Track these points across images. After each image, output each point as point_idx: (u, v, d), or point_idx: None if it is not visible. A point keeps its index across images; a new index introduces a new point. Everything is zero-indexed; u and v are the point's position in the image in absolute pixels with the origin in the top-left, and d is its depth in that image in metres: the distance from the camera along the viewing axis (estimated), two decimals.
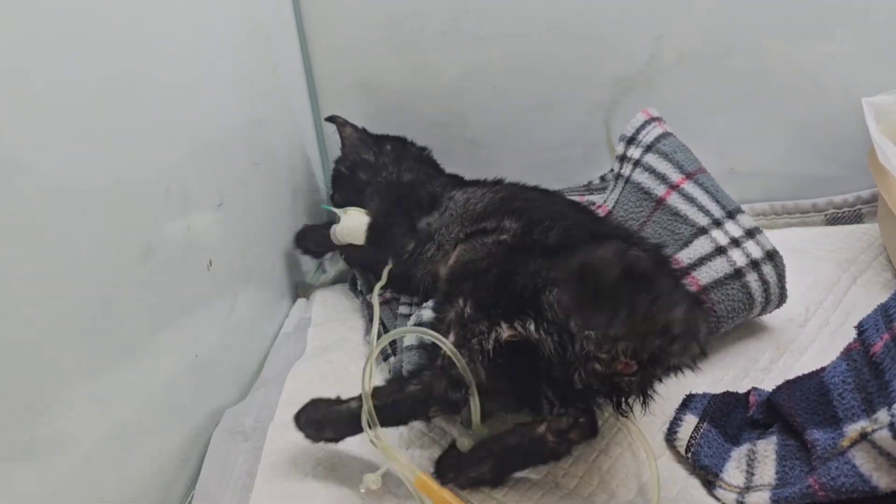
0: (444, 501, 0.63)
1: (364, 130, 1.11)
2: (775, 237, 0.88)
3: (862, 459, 0.58)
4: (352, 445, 0.74)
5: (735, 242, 0.85)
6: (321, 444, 0.72)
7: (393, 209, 0.99)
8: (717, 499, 0.67)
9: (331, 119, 1.11)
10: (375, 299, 0.90)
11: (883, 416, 0.59)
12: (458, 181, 1.05)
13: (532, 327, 0.63)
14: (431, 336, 0.67)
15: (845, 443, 0.60)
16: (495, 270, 0.71)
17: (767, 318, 0.89)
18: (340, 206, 1.03)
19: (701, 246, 0.85)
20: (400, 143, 1.11)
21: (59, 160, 0.57)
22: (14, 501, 0.52)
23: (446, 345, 0.66)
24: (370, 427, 0.67)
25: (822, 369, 0.70)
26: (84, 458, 0.60)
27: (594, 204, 1.04)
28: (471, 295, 0.68)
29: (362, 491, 0.66)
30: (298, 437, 0.76)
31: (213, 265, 0.82)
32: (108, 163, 0.63)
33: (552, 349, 0.62)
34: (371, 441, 0.67)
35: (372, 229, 0.98)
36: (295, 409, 0.81)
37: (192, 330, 0.79)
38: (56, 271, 0.56)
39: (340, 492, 0.69)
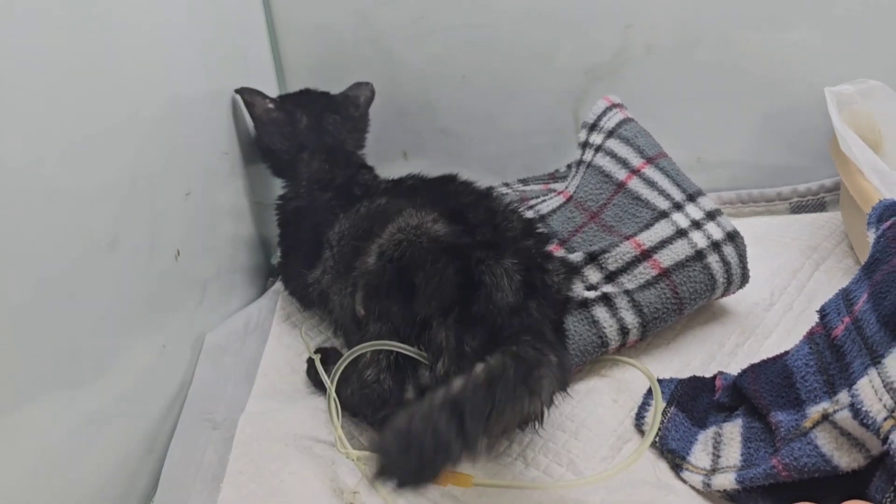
0: None
1: (280, 104, 1.01)
2: (741, 225, 0.89)
3: (824, 440, 0.59)
4: (326, 434, 0.74)
5: (696, 224, 0.86)
6: (295, 437, 0.73)
7: (288, 263, 0.98)
8: (685, 481, 0.68)
9: (239, 91, 0.99)
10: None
11: (844, 397, 0.60)
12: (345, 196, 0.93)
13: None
14: (393, 347, 0.67)
15: (808, 424, 0.61)
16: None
17: (733, 303, 0.90)
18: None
19: (662, 229, 0.85)
20: (315, 120, 1.00)
21: (22, 150, 0.56)
22: None
23: (404, 348, 0.67)
24: (342, 446, 0.68)
25: (786, 353, 0.71)
26: (49, 448, 0.59)
27: (555, 191, 1.05)
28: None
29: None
30: (270, 427, 0.76)
31: (180, 255, 0.81)
32: (72, 152, 0.62)
33: None
34: (344, 455, 0.68)
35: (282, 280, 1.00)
36: (265, 401, 0.81)
37: (159, 320, 0.78)
38: (21, 261, 0.55)
39: (315, 482, 0.69)
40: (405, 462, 0.51)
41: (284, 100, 1.03)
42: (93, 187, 0.65)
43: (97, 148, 0.66)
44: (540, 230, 0.82)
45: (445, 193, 0.84)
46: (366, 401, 0.69)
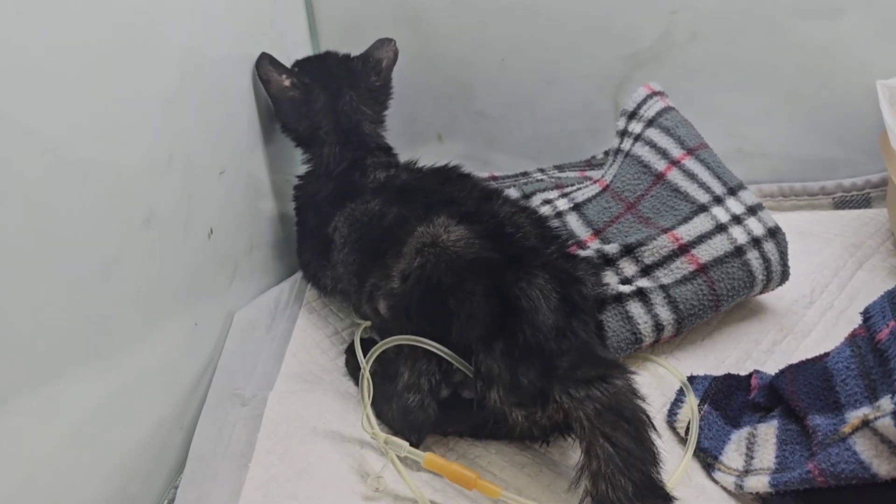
0: (457, 473, 0.63)
1: (297, 77, 0.95)
2: (782, 220, 0.87)
3: (863, 446, 0.58)
4: (354, 419, 0.74)
5: (736, 219, 0.84)
6: (323, 420, 0.74)
7: (303, 252, 0.98)
8: (716, 482, 0.67)
9: (256, 64, 0.94)
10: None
11: (886, 403, 0.59)
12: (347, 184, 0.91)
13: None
14: (422, 343, 0.66)
15: (847, 429, 0.60)
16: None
17: (771, 300, 0.88)
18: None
19: (701, 223, 0.84)
20: (332, 99, 0.94)
21: (62, 127, 0.56)
22: (9, 467, 0.52)
23: (441, 350, 0.66)
24: (370, 426, 0.68)
25: (826, 354, 0.70)
26: (81, 421, 0.60)
27: (590, 179, 1.03)
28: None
29: (373, 490, 0.66)
30: (298, 407, 0.76)
31: (213, 234, 0.82)
32: (109, 129, 0.62)
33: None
34: (371, 435, 0.68)
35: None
36: (294, 381, 0.82)
37: (192, 299, 0.78)
38: (58, 237, 0.56)
39: (341, 465, 0.69)
40: None
41: (303, 69, 0.97)
42: (129, 164, 0.66)
43: (135, 123, 0.66)
44: (555, 230, 0.79)
45: (443, 197, 0.80)
46: (409, 427, 0.69)
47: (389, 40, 1.00)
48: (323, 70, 0.97)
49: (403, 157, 0.99)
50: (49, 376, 0.56)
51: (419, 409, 0.67)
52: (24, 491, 0.53)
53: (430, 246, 0.69)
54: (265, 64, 0.93)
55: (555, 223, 0.86)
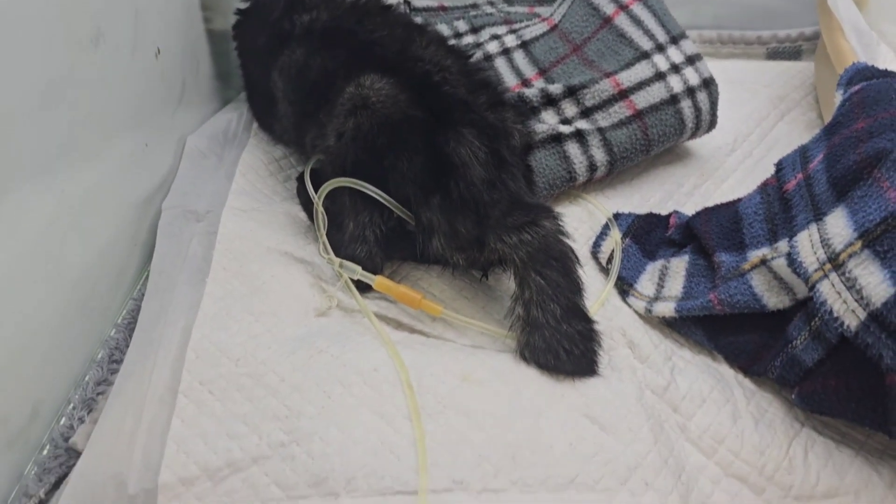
0: (404, 294, 0.69)
1: None
2: (717, 67, 0.91)
3: (758, 281, 0.66)
4: (305, 243, 0.79)
5: (675, 68, 0.88)
6: (276, 241, 0.78)
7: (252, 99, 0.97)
8: (629, 305, 0.75)
9: None
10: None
11: (783, 246, 0.66)
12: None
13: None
14: (365, 189, 0.69)
15: (746, 266, 0.68)
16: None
17: (696, 146, 0.94)
18: None
19: (642, 70, 0.87)
20: None
21: None
22: None
23: (383, 197, 0.69)
24: (326, 253, 0.72)
25: (739, 200, 0.77)
26: (42, 229, 0.62)
27: (539, 16, 1.04)
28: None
29: (325, 307, 0.71)
30: (252, 227, 0.79)
31: (161, 53, 0.81)
32: None
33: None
34: (327, 260, 0.72)
35: None
36: (245, 198, 0.84)
37: (142, 118, 0.79)
38: (6, 53, 0.55)
39: (294, 285, 0.74)
40: None
41: None
42: None
43: None
44: (483, 76, 0.79)
45: (365, 42, 0.78)
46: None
47: None
48: None
49: None
50: (11, 187, 0.57)
51: (367, 258, 0.72)
52: None
53: (360, 108, 0.70)
54: None
55: (483, 65, 0.86)
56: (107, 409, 0.62)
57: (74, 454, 0.62)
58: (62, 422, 0.65)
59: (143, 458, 0.57)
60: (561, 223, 0.69)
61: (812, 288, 0.60)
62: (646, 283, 0.76)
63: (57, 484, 0.61)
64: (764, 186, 0.75)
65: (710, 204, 0.80)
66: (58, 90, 0.62)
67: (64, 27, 0.62)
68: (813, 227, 0.63)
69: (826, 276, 0.58)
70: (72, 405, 0.66)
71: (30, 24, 0.57)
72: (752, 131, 0.97)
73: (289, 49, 0.82)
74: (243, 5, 0.92)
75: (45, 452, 0.63)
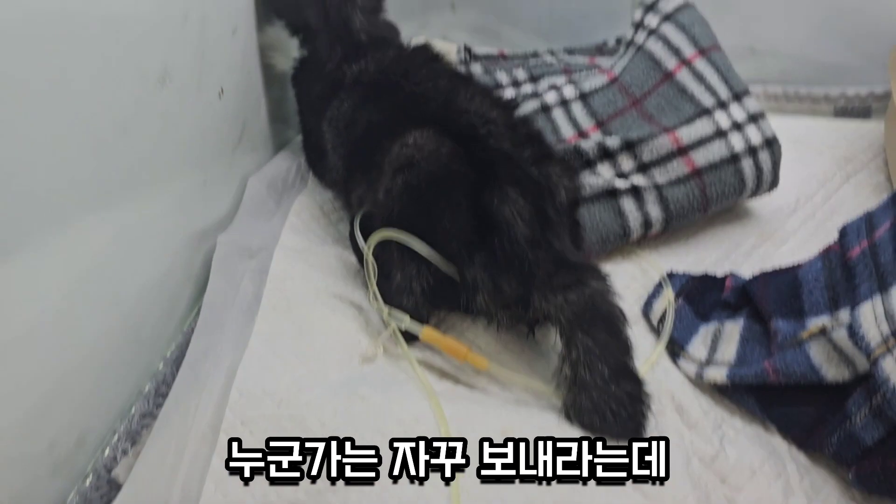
0: (450, 346, 0.69)
1: None
2: (782, 124, 0.89)
3: (816, 352, 0.63)
4: (353, 288, 0.79)
5: (737, 126, 0.86)
6: (326, 284, 0.79)
7: (306, 144, 0.99)
8: (680, 368, 0.73)
9: None
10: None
11: (844, 316, 0.64)
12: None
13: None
14: (411, 244, 0.70)
15: (805, 335, 0.65)
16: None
17: (756, 205, 0.92)
18: None
19: (702, 127, 0.85)
20: None
21: None
22: (26, 306, 0.55)
23: (428, 253, 0.70)
24: (375, 300, 0.72)
25: (799, 265, 0.74)
26: (96, 263, 0.63)
27: (599, 67, 1.03)
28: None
29: (372, 354, 0.71)
30: (303, 268, 0.80)
31: (224, 93, 0.83)
32: None
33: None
34: (376, 308, 0.72)
35: None
36: (298, 236, 0.85)
37: (202, 156, 0.81)
38: (74, 91, 0.57)
39: (342, 330, 0.74)
40: None
41: None
42: (146, 21, 0.66)
43: None
44: (529, 129, 0.78)
45: (410, 96, 0.79)
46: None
47: None
48: None
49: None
50: (66, 221, 0.58)
51: (413, 310, 0.72)
52: (41, 330, 0.57)
53: (406, 167, 0.71)
54: None
55: (530, 117, 0.86)
56: (149, 444, 0.63)
57: (116, 486, 0.63)
58: (106, 452, 0.66)
59: (182, 495, 0.58)
60: (608, 283, 0.68)
61: (874, 363, 0.57)
62: (698, 347, 0.74)
63: None
64: (826, 252, 0.72)
65: (769, 266, 0.78)
66: (123, 126, 0.64)
67: (133, 66, 0.64)
68: (877, 299, 0.61)
69: (889, 351, 0.56)
70: (117, 436, 0.67)
71: (101, 63, 0.59)
72: (816, 192, 0.94)
73: (338, 100, 0.83)
74: (302, 53, 0.94)
75: (87, 483, 0.64)
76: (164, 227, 0.75)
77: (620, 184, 0.84)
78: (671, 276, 0.81)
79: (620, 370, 0.64)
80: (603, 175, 0.86)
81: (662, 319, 0.76)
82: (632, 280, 0.82)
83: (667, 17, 0.94)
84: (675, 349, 0.74)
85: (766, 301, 0.73)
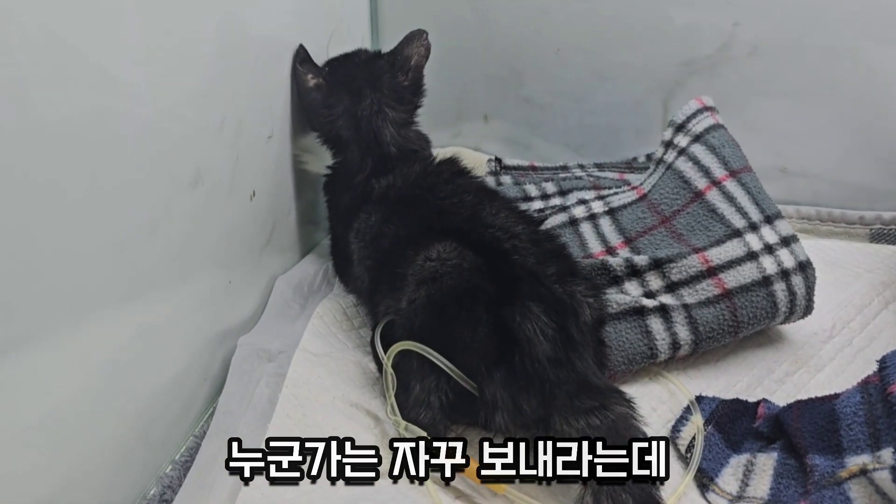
0: (469, 468, 0.65)
1: (324, 77, 0.92)
2: (816, 246, 0.87)
3: (857, 493, 0.60)
4: (371, 398, 0.77)
5: (768, 249, 0.84)
6: (343, 392, 0.77)
7: (334, 250, 1.00)
8: (709, 502, 0.69)
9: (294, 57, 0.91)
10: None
11: (887, 455, 0.60)
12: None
13: None
14: (431, 357, 0.69)
15: (844, 474, 0.61)
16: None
17: (791, 330, 0.89)
18: None
19: (733, 248, 0.84)
20: (353, 103, 0.90)
21: (122, 85, 0.58)
22: (37, 400, 0.55)
23: (448, 367, 0.69)
24: (393, 414, 0.71)
25: (836, 396, 0.71)
26: (111, 360, 0.62)
27: (628, 183, 1.03)
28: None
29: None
30: (321, 374, 0.79)
31: (255, 196, 0.84)
32: (167, 94, 0.64)
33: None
34: (393, 422, 0.71)
35: None
36: (319, 341, 0.84)
37: (229, 257, 0.81)
38: (103, 191, 0.58)
39: (356, 435, 0.70)
40: None
41: (331, 68, 0.94)
42: (184, 125, 0.68)
43: (192, 88, 0.68)
44: (554, 244, 0.79)
45: (436, 210, 0.80)
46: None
47: (421, 33, 0.93)
48: (347, 71, 0.93)
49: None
50: (87, 317, 0.58)
51: (430, 424, 0.70)
52: (49, 426, 0.56)
53: (430, 280, 0.71)
54: (296, 60, 0.91)
55: (555, 233, 0.86)
56: None
57: None
58: None
59: None
60: (633, 408, 0.65)
61: None
62: (728, 479, 0.70)
63: None
64: (865, 384, 0.69)
65: (803, 394, 0.75)
66: (151, 225, 0.64)
67: (166, 169, 0.66)
68: None
69: None
70: None
71: (134, 165, 0.61)
72: (853, 318, 0.91)
73: (365, 213, 0.85)
74: (335, 161, 0.95)
75: None
76: (185, 326, 0.75)
77: (648, 302, 0.82)
78: (700, 399, 0.78)
79: (645, 501, 0.60)
80: (630, 293, 0.84)
81: (691, 447, 0.73)
82: (659, 403, 0.79)
83: (697, 138, 0.94)
84: (705, 480, 0.70)
85: (801, 434, 0.69)
